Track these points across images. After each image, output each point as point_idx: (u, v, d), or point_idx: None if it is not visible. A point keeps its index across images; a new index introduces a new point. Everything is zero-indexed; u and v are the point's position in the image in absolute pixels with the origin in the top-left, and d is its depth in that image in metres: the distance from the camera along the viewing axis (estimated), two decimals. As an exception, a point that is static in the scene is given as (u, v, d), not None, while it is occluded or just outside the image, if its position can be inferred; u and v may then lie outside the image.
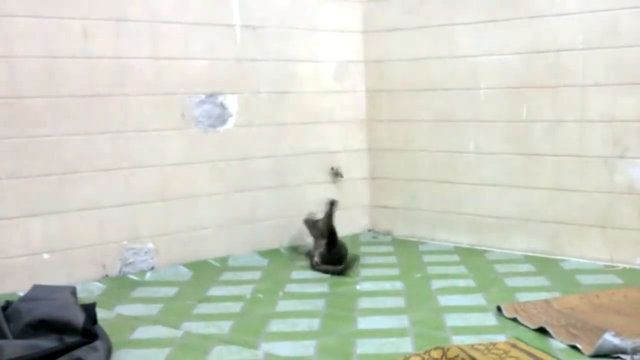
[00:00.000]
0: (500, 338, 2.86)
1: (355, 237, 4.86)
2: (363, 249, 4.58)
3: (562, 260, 4.12)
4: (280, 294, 3.64)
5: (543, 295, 3.43)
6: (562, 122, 4.15)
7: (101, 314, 3.10)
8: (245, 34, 4.36)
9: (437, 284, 3.73)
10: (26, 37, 3.64)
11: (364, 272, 4.00)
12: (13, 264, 3.63)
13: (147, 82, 4.02)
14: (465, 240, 4.57)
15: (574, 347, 2.74)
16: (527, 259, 4.18)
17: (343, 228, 4.82)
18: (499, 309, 3.21)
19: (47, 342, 2.74)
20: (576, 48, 4.06)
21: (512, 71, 4.31)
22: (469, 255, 4.32)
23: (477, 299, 3.45)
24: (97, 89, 3.86)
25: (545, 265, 4.05)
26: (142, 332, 3.09)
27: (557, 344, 2.79)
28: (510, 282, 3.73)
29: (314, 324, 3.16)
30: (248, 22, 4.37)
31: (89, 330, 2.80)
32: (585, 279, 3.75)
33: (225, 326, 3.14)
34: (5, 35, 3.59)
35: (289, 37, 4.58)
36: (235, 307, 3.42)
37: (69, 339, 2.76)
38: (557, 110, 4.16)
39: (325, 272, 3.98)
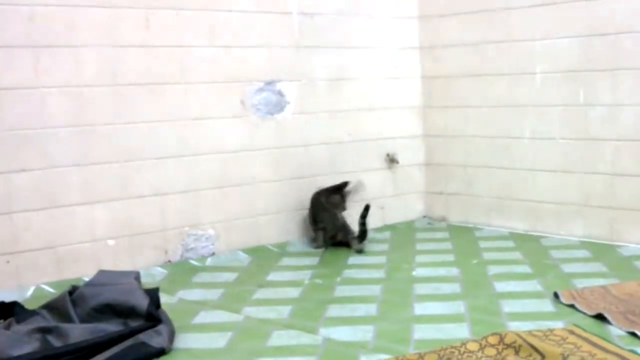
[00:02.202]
0: (558, 324, 2.87)
1: (410, 223, 4.88)
2: (418, 235, 4.60)
3: (619, 247, 4.08)
4: (338, 279, 3.68)
5: (600, 282, 3.41)
6: (621, 106, 4.10)
7: (164, 298, 3.16)
8: (302, 21, 4.40)
9: (493, 270, 3.73)
10: (91, 27, 3.71)
11: (420, 258, 4.03)
12: (78, 250, 3.72)
13: (206, 71, 4.08)
14: (520, 226, 4.55)
15: (633, 334, 2.73)
16: (584, 245, 4.15)
17: (398, 214, 4.87)
18: (556, 295, 3.21)
19: (112, 326, 2.82)
20: (636, 30, 4.00)
21: (569, 55, 4.26)
22: (525, 241, 4.31)
23: (534, 285, 3.45)
24: (159, 77, 3.92)
25: (602, 251, 4.02)
26: (204, 317, 3.16)
27: (615, 330, 2.79)
28: (567, 268, 3.71)
29: (372, 309, 3.19)
30: (305, 9, 4.40)
31: (152, 315, 2.87)
32: (644, 266, 3.73)
33: (284, 311, 3.19)
34: (71, 25, 3.66)
35: (345, 24, 4.60)
36: (294, 292, 3.47)
37: (133, 323, 2.84)
38: (616, 94, 4.11)
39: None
